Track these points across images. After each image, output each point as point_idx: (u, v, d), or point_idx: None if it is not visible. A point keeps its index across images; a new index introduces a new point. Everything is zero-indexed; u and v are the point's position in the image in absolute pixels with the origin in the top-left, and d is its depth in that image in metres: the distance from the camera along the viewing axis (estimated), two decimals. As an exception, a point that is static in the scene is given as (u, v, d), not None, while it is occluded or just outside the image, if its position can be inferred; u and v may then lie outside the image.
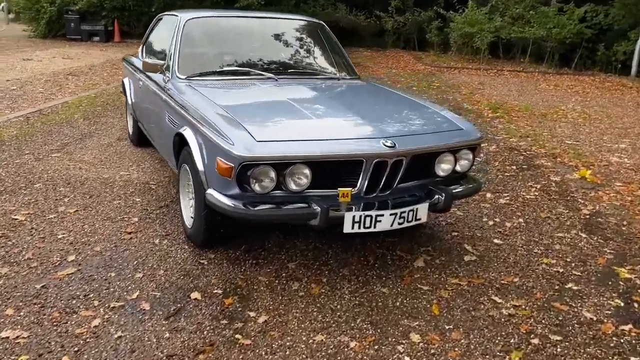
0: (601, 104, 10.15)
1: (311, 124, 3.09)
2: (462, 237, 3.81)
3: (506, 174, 5.37)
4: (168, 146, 3.79)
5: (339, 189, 2.86)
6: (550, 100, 10.30)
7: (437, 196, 3.13)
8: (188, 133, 3.24)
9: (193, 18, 4.23)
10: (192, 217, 3.36)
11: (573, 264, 3.46)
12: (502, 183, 5.07)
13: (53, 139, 5.78)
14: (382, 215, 2.92)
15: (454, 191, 3.18)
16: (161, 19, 5.13)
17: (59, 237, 3.47)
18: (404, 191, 3.17)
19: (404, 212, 2.97)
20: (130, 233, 3.57)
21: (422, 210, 3.06)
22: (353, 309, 2.83)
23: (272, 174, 2.80)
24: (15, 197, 4.09)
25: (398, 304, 2.91)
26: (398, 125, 3.22)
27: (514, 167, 5.60)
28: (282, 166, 2.80)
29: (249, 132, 2.85)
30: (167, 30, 4.60)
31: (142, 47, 5.33)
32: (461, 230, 3.92)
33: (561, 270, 3.36)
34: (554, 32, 14.95)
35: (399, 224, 2.99)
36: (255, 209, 2.83)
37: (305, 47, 4.58)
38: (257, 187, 2.80)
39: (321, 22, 4.78)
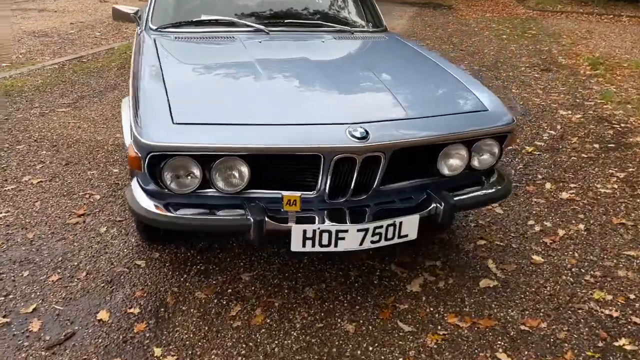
0: None
1: (264, 100, 2.28)
2: (489, 248, 2.90)
3: (583, 155, 4.24)
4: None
5: (283, 193, 2.09)
6: (672, 55, 8.50)
7: (434, 205, 2.26)
8: (124, 103, 2.58)
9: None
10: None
11: (636, 305, 2.47)
12: (573, 168, 3.97)
13: (73, 91, 5.39)
14: (346, 231, 2.12)
15: (456, 199, 2.28)
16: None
17: (0, 216, 3.01)
18: (398, 193, 2.34)
19: (380, 227, 2.15)
20: (80, 216, 3.04)
21: (410, 226, 2.21)
22: (293, 356, 2.10)
23: (196, 169, 2.08)
24: (-9, 161, 3.71)
25: (359, 352, 2.13)
26: (385, 104, 2.33)
27: (597, 146, 4.43)
28: (208, 159, 2.06)
29: (170, 110, 2.13)
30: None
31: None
32: (492, 237, 3.00)
33: (615, 315, 2.39)
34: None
35: (373, 242, 2.18)
36: (176, 213, 2.14)
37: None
38: (173, 185, 2.10)
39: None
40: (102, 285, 2.46)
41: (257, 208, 2.09)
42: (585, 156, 4.22)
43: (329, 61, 2.77)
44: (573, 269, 2.73)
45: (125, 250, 2.73)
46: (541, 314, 2.39)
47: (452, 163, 2.33)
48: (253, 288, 2.48)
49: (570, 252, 2.88)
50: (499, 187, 2.48)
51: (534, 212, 3.31)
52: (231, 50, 2.87)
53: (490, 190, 2.45)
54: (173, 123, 2.07)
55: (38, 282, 2.46)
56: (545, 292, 2.54)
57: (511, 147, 4.32)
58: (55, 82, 5.68)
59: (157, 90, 2.29)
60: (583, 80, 6.67)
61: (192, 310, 2.33)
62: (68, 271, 2.55)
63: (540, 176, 3.82)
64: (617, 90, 6.23)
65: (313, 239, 2.12)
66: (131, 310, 2.30)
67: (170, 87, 2.32)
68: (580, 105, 5.61)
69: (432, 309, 2.39)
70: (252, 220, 2.04)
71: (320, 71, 2.59)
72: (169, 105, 2.17)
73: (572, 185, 3.69)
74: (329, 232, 2.11)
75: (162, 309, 2.32)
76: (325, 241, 2.13)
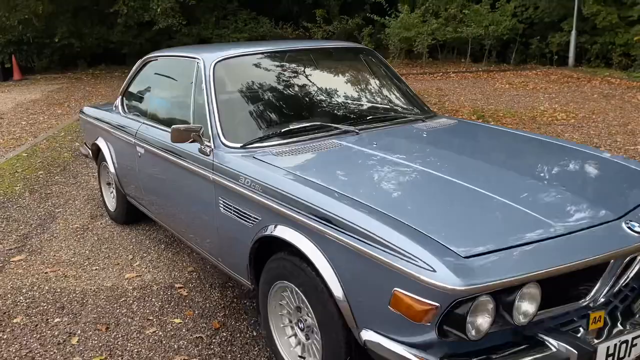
0: (571, 99, 9.86)
1: (509, 211, 2.03)
2: None
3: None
4: (224, 246, 2.66)
5: (590, 313, 1.86)
6: (521, 101, 9.88)
7: None
8: (304, 243, 2.09)
9: (222, 59, 3.02)
10: None
11: None
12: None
13: (4, 231, 4.30)
14: (638, 336, 1.95)
15: None
16: (150, 61, 3.84)
17: None
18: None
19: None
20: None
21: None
22: None
23: (491, 307, 1.75)
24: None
25: None
26: (610, 191, 2.25)
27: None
28: (505, 293, 1.75)
29: (441, 243, 1.78)
30: (166, 78, 3.46)
31: (122, 98, 4.03)
32: None
33: None
34: (490, 30, 14.79)
35: (647, 342, 2.03)
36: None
37: (368, 82, 3.51)
38: (473, 332, 1.73)
39: (367, 47, 3.74)
40: None
41: (573, 337, 1.83)
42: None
43: (468, 152, 2.65)
44: None
45: None
46: None
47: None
48: None
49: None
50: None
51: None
52: (358, 156, 2.55)
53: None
54: (463, 257, 1.73)
55: None
56: None
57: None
58: (-33, 223, 4.49)
59: (386, 219, 1.89)
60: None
61: None
62: None
63: None
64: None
65: (613, 354, 1.91)
66: None
67: (392, 211, 1.94)
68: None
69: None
70: (576, 352, 1.77)
71: (476, 164, 2.46)
72: (430, 237, 1.81)
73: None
74: (626, 342, 1.93)
75: None
76: (621, 354, 1.93)
